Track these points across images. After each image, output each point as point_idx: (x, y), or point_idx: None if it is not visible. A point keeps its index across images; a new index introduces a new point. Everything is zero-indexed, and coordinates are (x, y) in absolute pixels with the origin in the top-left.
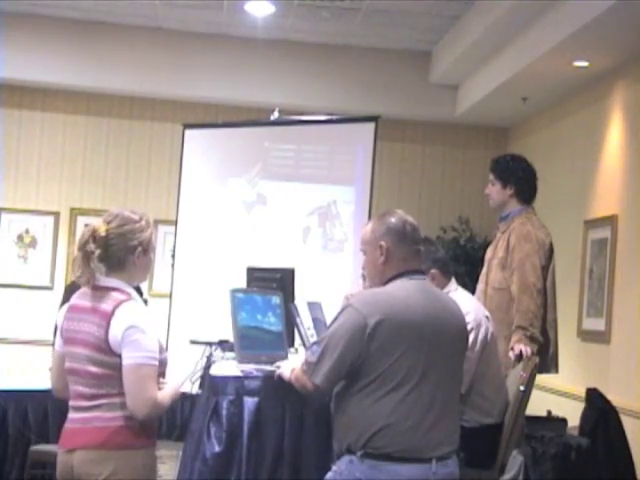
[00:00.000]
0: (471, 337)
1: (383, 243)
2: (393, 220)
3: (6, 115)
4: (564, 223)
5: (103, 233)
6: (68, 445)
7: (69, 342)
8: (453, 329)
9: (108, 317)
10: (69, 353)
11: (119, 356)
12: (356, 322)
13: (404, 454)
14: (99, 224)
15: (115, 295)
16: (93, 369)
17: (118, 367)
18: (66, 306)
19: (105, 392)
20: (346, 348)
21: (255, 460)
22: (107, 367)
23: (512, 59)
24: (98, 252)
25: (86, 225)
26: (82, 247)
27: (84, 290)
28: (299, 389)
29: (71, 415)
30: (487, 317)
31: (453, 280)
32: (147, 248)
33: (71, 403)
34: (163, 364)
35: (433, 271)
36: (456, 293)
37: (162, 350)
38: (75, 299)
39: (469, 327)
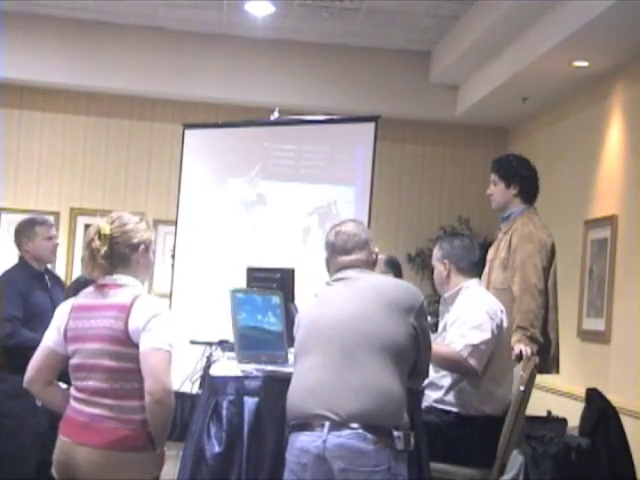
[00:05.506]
0: (489, 323)
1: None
2: None
3: (6, 115)
4: (564, 223)
5: (107, 232)
6: (75, 438)
7: (77, 340)
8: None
9: (127, 309)
10: (77, 350)
11: (138, 347)
12: None
13: (298, 421)
14: (102, 224)
15: (129, 290)
16: (109, 363)
17: (136, 359)
18: (67, 306)
19: (119, 387)
20: None
21: (255, 460)
22: (124, 359)
23: (512, 59)
24: (104, 249)
25: (86, 225)
26: (89, 245)
27: (88, 290)
28: None
29: (80, 407)
30: (502, 311)
31: (474, 280)
32: (148, 247)
33: (79, 395)
34: None
35: (446, 261)
36: (477, 287)
37: None
38: (80, 299)
39: (486, 316)
